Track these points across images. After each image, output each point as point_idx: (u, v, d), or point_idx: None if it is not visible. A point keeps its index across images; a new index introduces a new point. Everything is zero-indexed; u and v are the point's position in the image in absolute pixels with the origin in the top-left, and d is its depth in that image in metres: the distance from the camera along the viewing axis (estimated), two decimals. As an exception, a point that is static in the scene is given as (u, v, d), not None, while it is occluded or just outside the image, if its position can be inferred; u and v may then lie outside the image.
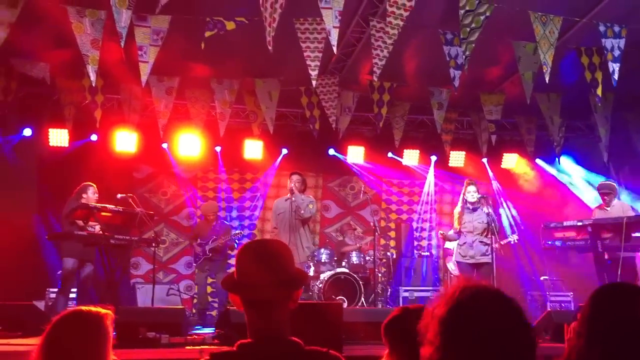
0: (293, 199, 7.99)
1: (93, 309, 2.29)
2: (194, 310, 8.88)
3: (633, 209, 7.53)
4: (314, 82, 6.90)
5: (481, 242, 7.23)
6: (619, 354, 1.78)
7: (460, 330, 1.45)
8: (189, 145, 9.53)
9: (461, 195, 7.46)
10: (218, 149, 9.93)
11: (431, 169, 10.85)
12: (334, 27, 6.00)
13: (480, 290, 1.51)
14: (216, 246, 8.53)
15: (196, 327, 7.39)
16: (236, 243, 8.68)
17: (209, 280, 8.86)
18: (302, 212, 7.90)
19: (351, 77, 8.78)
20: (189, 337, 5.63)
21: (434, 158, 10.68)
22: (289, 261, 1.92)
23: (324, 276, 8.40)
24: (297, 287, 1.91)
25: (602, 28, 6.69)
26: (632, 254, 6.84)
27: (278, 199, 8.91)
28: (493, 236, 7.18)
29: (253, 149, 9.76)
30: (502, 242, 8.14)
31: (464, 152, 10.45)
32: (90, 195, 7.13)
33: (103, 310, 2.28)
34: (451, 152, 10.20)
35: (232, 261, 8.81)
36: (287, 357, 1.77)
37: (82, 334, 2.21)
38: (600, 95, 7.36)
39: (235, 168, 10.55)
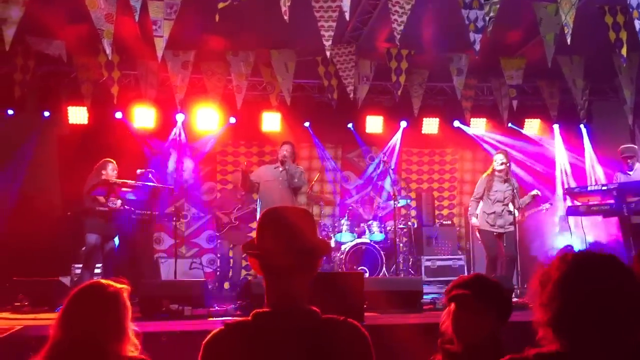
0: (287, 167, 7.73)
1: (110, 282, 2.31)
2: (217, 283, 8.96)
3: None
4: (327, 53, 6.80)
5: (509, 211, 7.20)
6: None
7: (576, 291, 1.51)
8: (207, 119, 9.51)
9: (492, 165, 7.36)
10: (232, 120, 9.84)
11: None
12: (348, -7, 5.88)
13: (593, 254, 1.58)
14: (242, 214, 8.51)
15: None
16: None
17: (231, 253, 8.84)
18: (296, 180, 7.72)
19: (368, 46, 8.63)
20: (211, 309, 5.69)
21: (456, 123, 10.50)
22: (311, 229, 1.89)
23: (345, 247, 8.41)
24: (318, 255, 1.88)
25: (626, -15, 6.46)
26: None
27: (264, 165, 8.59)
28: (516, 206, 7.17)
29: (271, 122, 9.70)
30: (537, 209, 8.04)
31: (484, 119, 10.28)
32: (110, 171, 7.16)
33: (119, 284, 2.31)
34: (472, 118, 10.05)
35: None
36: (303, 327, 1.75)
37: (99, 306, 2.23)
38: (625, 56, 7.16)
39: (254, 141, 10.53)
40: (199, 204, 10.35)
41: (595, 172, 9.93)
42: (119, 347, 2.22)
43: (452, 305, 2.34)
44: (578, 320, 1.49)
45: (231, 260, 8.86)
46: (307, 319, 1.77)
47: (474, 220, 7.43)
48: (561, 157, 10.38)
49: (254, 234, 1.95)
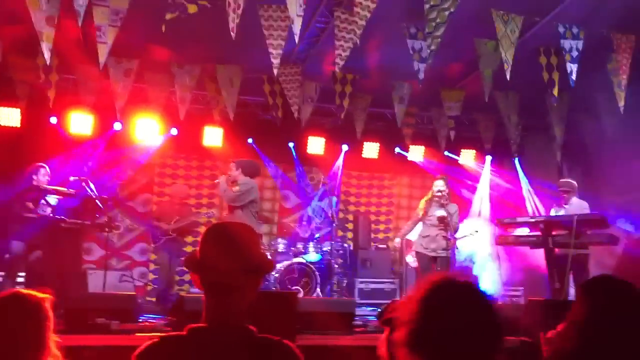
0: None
1: (32, 291, 2.24)
2: (147, 298, 8.73)
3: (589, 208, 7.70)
4: (275, 71, 6.84)
5: (443, 236, 7.35)
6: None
7: (432, 312, 1.52)
8: (146, 129, 9.33)
9: (432, 191, 7.53)
10: (174, 131, 9.69)
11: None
12: (297, 15, 5.96)
13: (456, 281, 1.59)
14: (180, 227, 8.27)
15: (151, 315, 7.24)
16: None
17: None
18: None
19: (314, 68, 8.75)
20: (140, 324, 5.54)
21: (397, 149, 10.71)
22: (256, 246, 1.89)
23: (281, 266, 8.39)
24: (262, 273, 1.88)
25: (561, 29, 6.83)
26: (585, 251, 7.01)
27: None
28: (450, 231, 7.34)
29: (213, 136, 9.62)
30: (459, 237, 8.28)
31: (423, 147, 10.55)
32: (41, 177, 6.91)
33: (41, 294, 2.24)
34: (411, 145, 10.30)
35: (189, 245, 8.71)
36: (237, 344, 1.74)
37: (20, 316, 2.16)
38: (556, 96, 7.54)
39: (194, 155, 10.40)
40: (133, 215, 10.10)
41: (534, 202, 10.28)
42: (40, 357, 2.14)
43: (386, 330, 2.37)
44: (428, 341, 1.52)
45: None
46: (242, 337, 1.76)
47: (396, 240, 7.89)
48: (484, 186, 10.69)
49: (189, 248, 1.93)
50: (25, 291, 2.24)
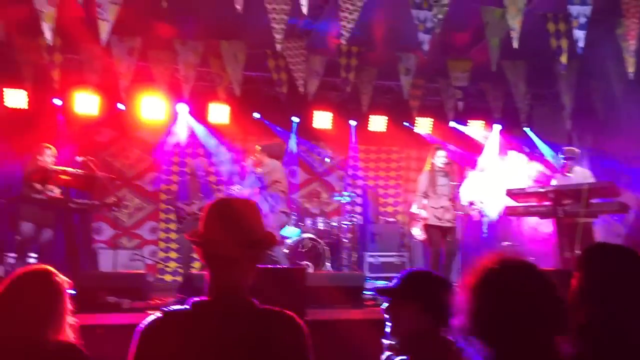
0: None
1: (51, 269, 2.27)
2: (157, 275, 8.78)
3: (593, 175, 7.65)
4: (278, 46, 6.77)
5: (453, 206, 7.31)
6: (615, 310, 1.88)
7: (490, 299, 1.52)
8: (152, 108, 9.29)
9: (428, 159, 7.48)
10: (182, 108, 9.63)
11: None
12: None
13: (514, 262, 1.59)
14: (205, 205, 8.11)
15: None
16: None
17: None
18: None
19: (319, 41, 8.64)
20: (150, 302, 5.58)
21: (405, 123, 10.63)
22: (258, 221, 1.90)
23: (290, 241, 8.41)
24: (264, 248, 1.91)
25: (569, -6, 6.68)
26: (591, 220, 6.98)
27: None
28: (456, 202, 7.33)
29: (218, 113, 9.57)
30: (472, 207, 8.22)
31: (431, 119, 10.45)
32: (47, 157, 6.91)
33: (60, 275, 2.27)
34: (417, 118, 10.21)
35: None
36: (239, 316, 1.76)
37: (42, 291, 2.18)
38: (564, 63, 7.42)
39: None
40: (142, 194, 10.14)
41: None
42: (55, 334, 2.18)
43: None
44: (492, 326, 1.52)
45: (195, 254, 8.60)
46: (244, 309, 1.78)
47: (423, 213, 7.40)
48: (495, 156, 10.48)
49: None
50: (50, 268, 2.28)
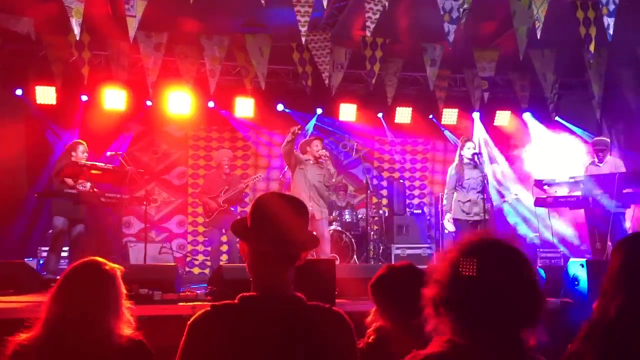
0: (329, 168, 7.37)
1: (100, 260, 2.33)
2: (187, 269, 8.89)
3: (625, 165, 7.52)
4: (303, 39, 6.76)
5: (482, 199, 7.13)
6: None
7: (466, 274, 1.49)
8: (179, 103, 9.38)
9: (458, 151, 7.39)
10: (211, 104, 9.74)
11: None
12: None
13: (495, 241, 1.55)
14: (230, 196, 8.14)
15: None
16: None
17: (224, 238, 8.54)
18: (334, 180, 7.63)
19: (343, 33, 8.62)
20: (181, 294, 5.65)
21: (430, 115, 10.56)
22: (304, 221, 1.94)
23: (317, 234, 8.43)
24: (307, 249, 1.92)
25: (598, -19, 6.56)
26: (622, 210, 6.87)
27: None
28: (486, 194, 7.21)
29: (244, 107, 9.62)
30: (503, 200, 8.15)
31: (456, 110, 10.36)
32: (80, 153, 7.03)
33: (109, 263, 2.34)
34: (444, 109, 10.12)
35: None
36: (290, 313, 1.78)
37: (96, 283, 2.26)
38: (593, 51, 7.28)
39: (227, 126, 10.45)
40: (170, 188, 10.26)
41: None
42: (114, 324, 2.24)
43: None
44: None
45: (225, 246, 8.72)
46: (293, 305, 1.81)
47: (447, 217, 7.30)
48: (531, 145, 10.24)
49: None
50: (100, 259, 2.35)
